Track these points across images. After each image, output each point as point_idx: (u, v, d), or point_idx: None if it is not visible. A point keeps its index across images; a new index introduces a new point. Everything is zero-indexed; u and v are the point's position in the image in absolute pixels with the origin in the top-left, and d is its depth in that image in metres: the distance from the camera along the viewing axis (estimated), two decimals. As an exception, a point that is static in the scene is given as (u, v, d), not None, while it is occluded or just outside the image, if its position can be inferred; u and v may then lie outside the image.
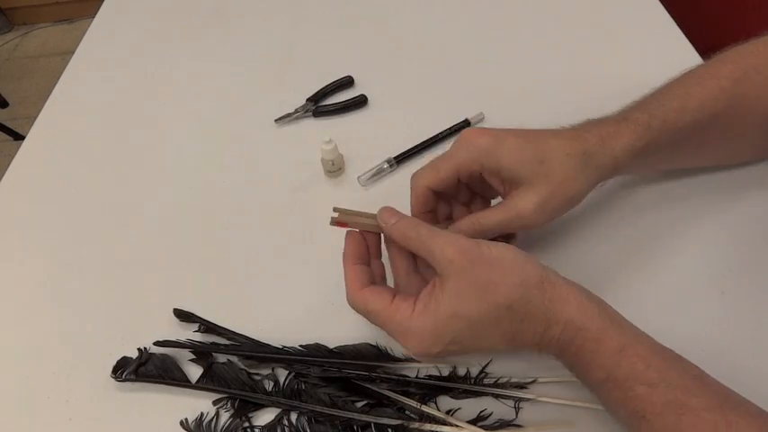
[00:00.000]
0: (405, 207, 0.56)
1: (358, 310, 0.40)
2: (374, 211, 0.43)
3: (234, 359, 0.47)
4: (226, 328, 0.49)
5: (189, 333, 0.49)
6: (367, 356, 0.45)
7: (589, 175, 0.43)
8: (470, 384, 0.43)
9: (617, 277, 0.49)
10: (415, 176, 0.45)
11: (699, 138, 0.47)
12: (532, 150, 0.42)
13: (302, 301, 0.51)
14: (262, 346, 0.47)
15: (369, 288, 0.40)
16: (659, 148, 0.45)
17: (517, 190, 0.42)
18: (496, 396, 0.43)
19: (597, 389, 0.37)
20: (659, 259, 0.50)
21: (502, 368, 0.44)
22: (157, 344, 0.48)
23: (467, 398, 0.43)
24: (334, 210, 0.43)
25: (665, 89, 0.48)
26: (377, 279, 0.42)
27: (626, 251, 0.51)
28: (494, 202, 0.48)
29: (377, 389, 0.44)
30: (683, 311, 0.47)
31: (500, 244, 0.38)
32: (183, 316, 0.50)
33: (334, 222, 0.44)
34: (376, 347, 0.46)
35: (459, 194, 0.47)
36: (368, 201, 0.59)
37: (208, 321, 0.49)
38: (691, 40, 0.68)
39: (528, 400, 0.42)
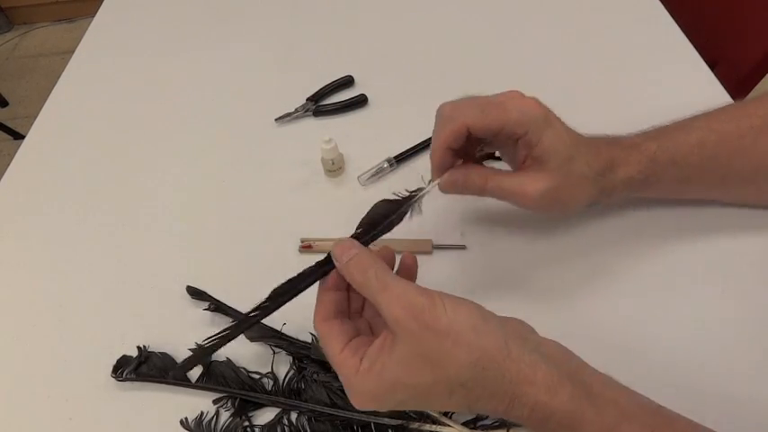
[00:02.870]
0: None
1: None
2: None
3: (233, 357, 0.47)
4: (233, 308, 0.49)
5: (188, 334, 0.49)
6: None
7: (593, 193, 0.44)
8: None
9: (616, 277, 0.49)
10: (455, 109, 0.43)
11: (718, 174, 0.46)
12: (569, 146, 0.42)
13: (302, 302, 0.51)
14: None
15: (329, 323, 0.37)
16: (662, 181, 0.45)
17: (534, 170, 0.42)
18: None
19: None
20: (659, 259, 0.50)
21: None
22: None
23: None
24: (301, 240, 0.54)
25: (691, 120, 0.47)
26: (354, 308, 0.41)
27: (625, 250, 0.51)
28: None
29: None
30: (684, 311, 0.47)
31: (460, 306, 0.34)
32: (195, 293, 0.51)
33: (302, 246, 0.53)
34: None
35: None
36: (368, 200, 0.58)
37: (218, 300, 0.50)
38: (692, 42, 0.68)
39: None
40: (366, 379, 0.34)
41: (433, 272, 0.50)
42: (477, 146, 0.46)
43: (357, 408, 0.36)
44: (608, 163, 0.44)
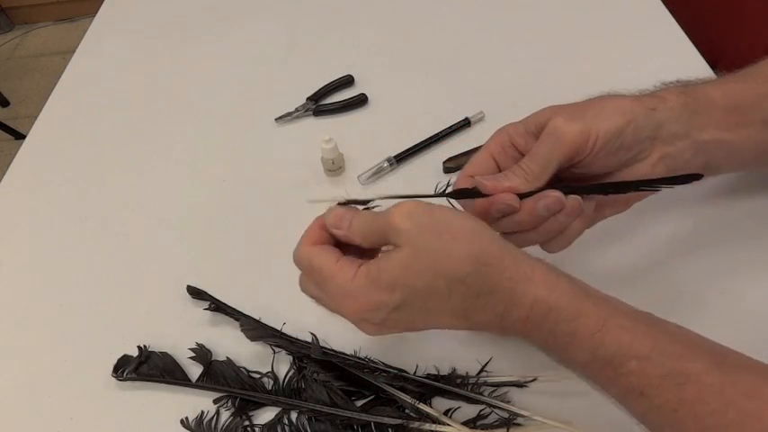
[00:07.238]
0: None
1: (301, 266, 0.38)
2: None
3: (233, 357, 0.47)
4: (234, 308, 0.49)
5: (188, 334, 0.49)
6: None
7: (635, 106, 0.40)
8: (467, 390, 0.43)
9: (616, 277, 0.49)
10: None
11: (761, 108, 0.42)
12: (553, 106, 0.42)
13: (302, 301, 0.51)
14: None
15: (319, 245, 0.37)
16: (710, 102, 0.41)
17: (549, 126, 0.40)
18: (491, 405, 0.42)
19: (582, 370, 0.34)
20: (659, 259, 0.50)
21: (501, 366, 0.44)
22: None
23: (465, 400, 0.43)
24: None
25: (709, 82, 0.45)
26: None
27: (626, 251, 0.51)
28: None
29: (374, 381, 0.44)
30: (683, 311, 0.47)
31: (456, 211, 0.35)
32: (195, 293, 0.51)
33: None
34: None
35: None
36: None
37: (218, 300, 0.50)
38: (693, 42, 0.68)
39: (523, 416, 0.41)
40: (363, 283, 0.34)
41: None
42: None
43: (355, 318, 0.35)
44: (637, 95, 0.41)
